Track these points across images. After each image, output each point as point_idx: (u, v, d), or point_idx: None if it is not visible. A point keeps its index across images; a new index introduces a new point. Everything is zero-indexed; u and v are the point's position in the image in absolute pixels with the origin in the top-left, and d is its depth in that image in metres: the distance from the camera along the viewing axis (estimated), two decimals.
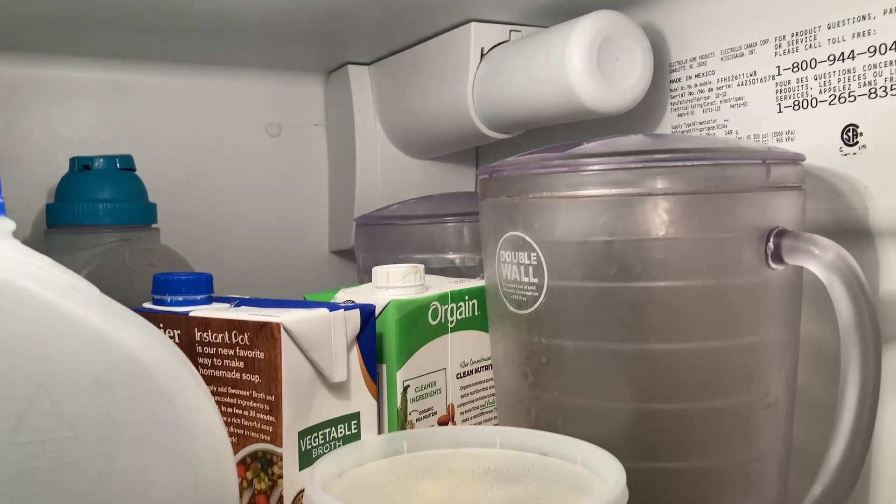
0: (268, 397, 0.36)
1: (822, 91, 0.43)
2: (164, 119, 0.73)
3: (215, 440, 0.27)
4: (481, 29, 0.59)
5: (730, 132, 0.49)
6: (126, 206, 0.60)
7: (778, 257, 0.37)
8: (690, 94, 0.52)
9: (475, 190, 0.77)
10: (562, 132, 0.62)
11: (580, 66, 0.49)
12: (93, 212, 0.59)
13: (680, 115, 0.53)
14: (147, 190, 0.64)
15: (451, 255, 0.57)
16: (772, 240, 0.37)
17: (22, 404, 0.24)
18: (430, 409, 0.44)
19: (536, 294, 0.39)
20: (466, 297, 0.46)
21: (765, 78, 0.47)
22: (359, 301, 0.41)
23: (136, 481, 0.25)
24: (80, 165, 0.62)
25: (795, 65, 0.45)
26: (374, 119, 0.74)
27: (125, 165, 0.62)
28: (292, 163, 0.79)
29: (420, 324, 0.43)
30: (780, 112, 0.46)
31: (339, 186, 0.78)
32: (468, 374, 0.46)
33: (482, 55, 0.59)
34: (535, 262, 0.39)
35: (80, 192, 0.60)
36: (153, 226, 0.64)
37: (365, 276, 0.60)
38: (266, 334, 0.36)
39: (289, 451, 0.36)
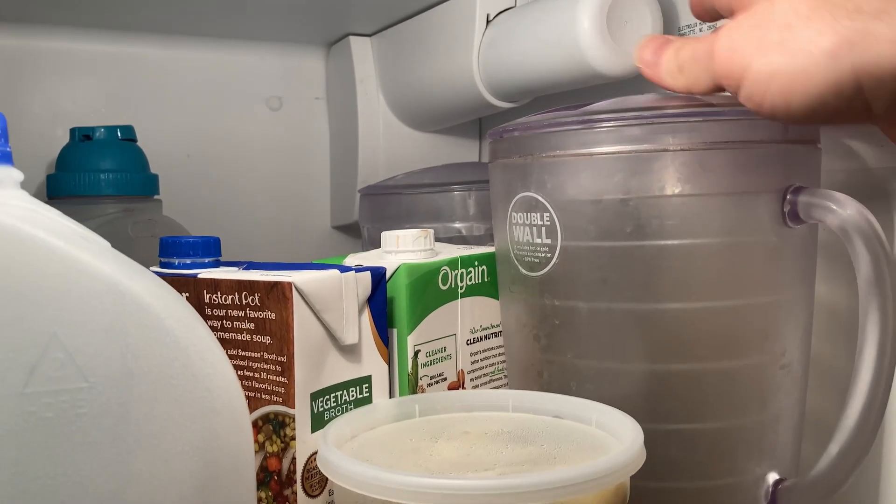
0: (279, 358, 0.35)
1: None
2: (164, 92, 0.72)
3: (231, 394, 0.27)
4: None
5: None
6: (128, 177, 0.60)
7: (795, 215, 0.36)
8: None
9: (479, 161, 0.77)
10: (569, 100, 0.60)
11: (590, 28, 0.49)
12: (95, 182, 0.58)
13: None
14: None
15: (457, 225, 0.57)
16: (788, 197, 0.36)
17: (35, 354, 0.23)
18: (441, 374, 0.43)
19: (549, 255, 0.38)
20: (476, 263, 0.45)
21: None
22: (368, 265, 0.41)
23: (151, 433, 0.25)
24: (81, 136, 0.61)
25: None
26: (377, 91, 0.73)
27: (126, 136, 0.62)
28: (293, 137, 0.78)
29: (430, 288, 0.43)
30: None
31: (341, 161, 0.77)
32: (478, 341, 0.46)
33: (488, 21, 0.59)
34: (549, 223, 0.38)
35: (81, 163, 0.60)
36: (155, 197, 0.63)
37: (370, 248, 0.59)
38: (277, 294, 0.35)
39: (301, 413, 0.35)
